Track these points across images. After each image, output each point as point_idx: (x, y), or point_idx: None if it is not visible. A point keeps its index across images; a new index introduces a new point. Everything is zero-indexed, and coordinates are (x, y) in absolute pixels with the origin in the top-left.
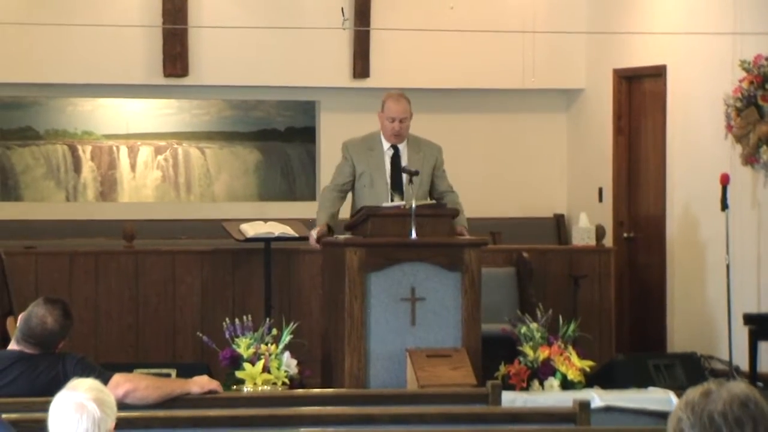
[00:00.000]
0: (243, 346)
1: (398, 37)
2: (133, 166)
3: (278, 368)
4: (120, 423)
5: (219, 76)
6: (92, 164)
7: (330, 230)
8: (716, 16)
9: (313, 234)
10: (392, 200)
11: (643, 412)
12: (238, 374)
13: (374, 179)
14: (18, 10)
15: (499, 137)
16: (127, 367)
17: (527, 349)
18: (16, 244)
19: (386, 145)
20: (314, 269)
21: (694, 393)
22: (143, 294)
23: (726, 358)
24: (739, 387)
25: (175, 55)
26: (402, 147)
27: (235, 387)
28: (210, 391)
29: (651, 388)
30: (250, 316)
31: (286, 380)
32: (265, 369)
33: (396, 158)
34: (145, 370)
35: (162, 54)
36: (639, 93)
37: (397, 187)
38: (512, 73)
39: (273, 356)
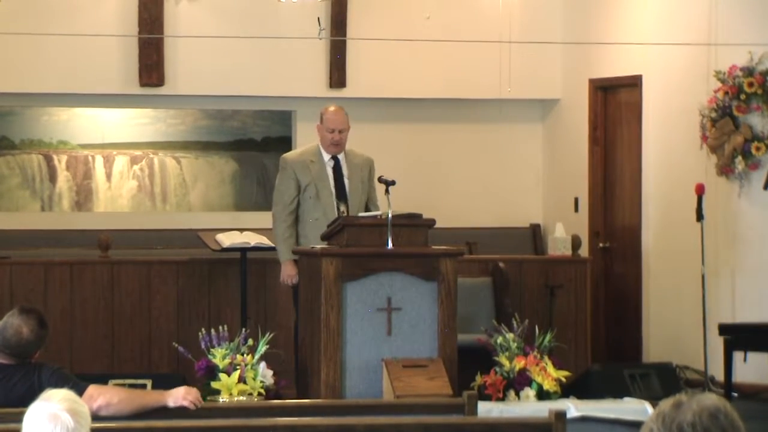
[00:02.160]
0: (219, 356)
1: (375, 46)
2: (108, 176)
3: (254, 379)
4: None
5: (195, 86)
6: (68, 174)
7: (296, 264)
8: (692, 27)
9: (289, 273)
10: (338, 209)
11: (619, 422)
12: (214, 385)
13: (319, 190)
14: None
15: (475, 147)
16: (103, 378)
17: (503, 359)
18: None
19: (326, 156)
20: None
21: (665, 405)
22: (118, 304)
23: (701, 368)
24: (710, 399)
25: (151, 64)
26: (341, 158)
27: (210, 397)
28: (183, 405)
29: (626, 398)
30: (225, 326)
31: (262, 391)
32: (241, 379)
33: (338, 168)
34: (121, 381)
35: (138, 63)
36: (615, 103)
37: (341, 196)
38: (488, 83)
39: (249, 367)
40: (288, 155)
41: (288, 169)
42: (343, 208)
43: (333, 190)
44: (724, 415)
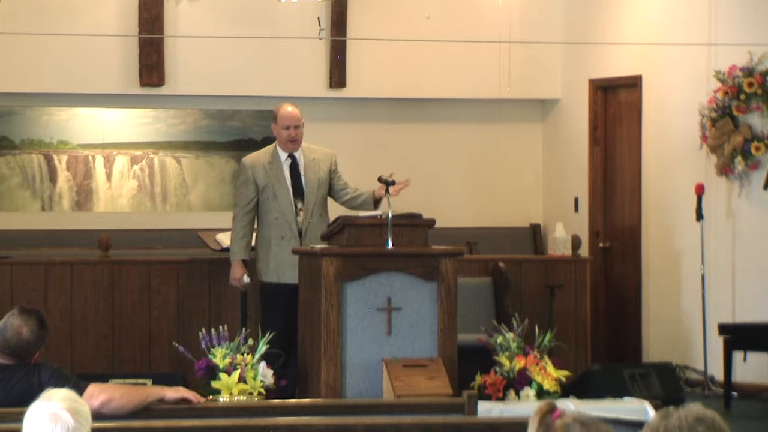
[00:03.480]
0: (219, 356)
1: (375, 46)
2: (108, 176)
3: (254, 378)
4: None
5: (195, 86)
6: (68, 174)
7: (245, 264)
8: (691, 27)
9: (235, 275)
10: (296, 207)
11: (619, 422)
12: (214, 384)
13: (276, 190)
14: None
15: (475, 147)
16: (103, 378)
17: (503, 359)
18: None
19: (283, 155)
20: None
21: (654, 417)
22: (119, 304)
23: (701, 368)
24: (699, 407)
25: (152, 64)
26: (298, 155)
27: (210, 397)
28: (184, 400)
29: (626, 398)
30: (226, 326)
31: (262, 390)
32: (241, 379)
33: (294, 167)
34: (121, 380)
35: (138, 63)
36: (614, 103)
37: (298, 194)
38: (488, 83)
39: (249, 366)
40: (246, 158)
41: (247, 172)
42: (300, 205)
43: (290, 189)
44: (711, 420)
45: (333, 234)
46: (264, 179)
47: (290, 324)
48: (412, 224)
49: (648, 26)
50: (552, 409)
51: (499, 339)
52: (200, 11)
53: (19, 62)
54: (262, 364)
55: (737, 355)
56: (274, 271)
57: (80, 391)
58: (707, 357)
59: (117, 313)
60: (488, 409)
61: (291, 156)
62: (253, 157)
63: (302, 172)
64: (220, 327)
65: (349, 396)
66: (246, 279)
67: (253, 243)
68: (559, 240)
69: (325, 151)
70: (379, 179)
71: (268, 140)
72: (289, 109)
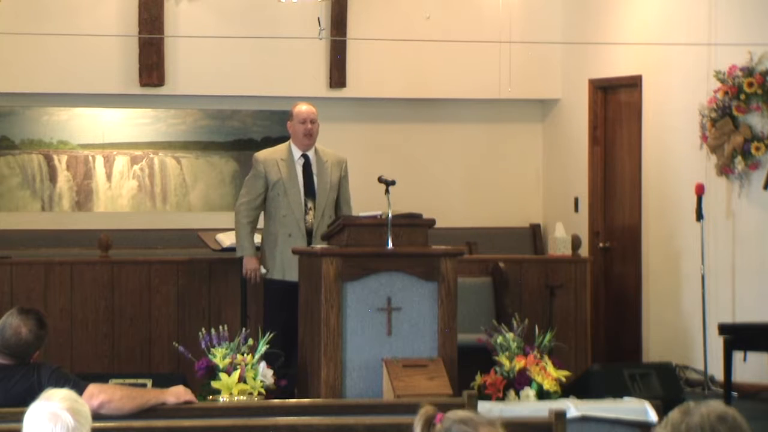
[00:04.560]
0: (219, 356)
1: (375, 46)
2: (108, 176)
3: (254, 378)
4: None
5: (195, 86)
6: (68, 174)
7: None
8: (691, 27)
9: (253, 266)
10: (306, 206)
11: (619, 422)
12: (214, 384)
13: (287, 188)
14: None
15: (475, 147)
16: (103, 377)
17: (503, 359)
18: None
19: (297, 154)
20: None
21: (673, 413)
22: (119, 304)
23: (701, 368)
24: (719, 404)
25: (152, 64)
26: (311, 156)
27: (210, 397)
28: (186, 402)
29: (626, 398)
30: (226, 326)
31: (262, 390)
32: (241, 379)
33: (307, 166)
34: (121, 380)
35: (138, 63)
36: (615, 103)
37: (309, 193)
38: (488, 83)
39: (249, 366)
40: (259, 153)
41: (259, 167)
42: (310, 204)
43: (301, 188)
44: (732, 419)
45: (333, 234)
46: (276, 175)
47: (292, 322)
48: (412, 224)
49: (648, 26)
50: (434, 414)
51: (499, 339)
52: (200, 11)
53: (19, 62)
54: (262, 364)
55: (737, 355)
56: (280, 268)
57: (80, 391)
58: (707, 357)
59: (117, 314)
60: (488, 409)
61: (304, 155)
62: (266, 153)
63: (314, 172)
64: (220, 327)
65: (349, 396)
66: (262, 269)
67: (258, 239)
68: (559, 240)
69: (338, 156)
70: (379, 179)
71: (268, 140)
72: (304, 106)
